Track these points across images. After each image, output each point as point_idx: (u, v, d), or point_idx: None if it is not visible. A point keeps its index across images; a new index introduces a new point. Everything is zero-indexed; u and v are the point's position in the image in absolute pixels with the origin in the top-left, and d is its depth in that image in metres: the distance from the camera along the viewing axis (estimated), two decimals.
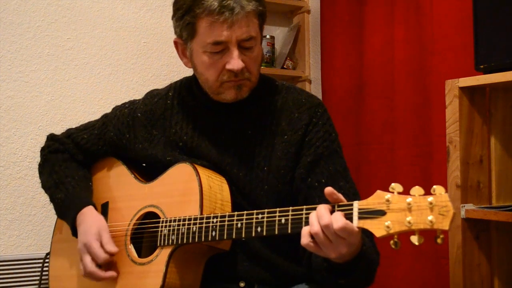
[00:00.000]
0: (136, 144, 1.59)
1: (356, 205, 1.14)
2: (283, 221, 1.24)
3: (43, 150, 1.71)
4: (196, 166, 1.44)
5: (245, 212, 1.30)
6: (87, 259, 1.46)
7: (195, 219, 1.37)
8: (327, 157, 1.44)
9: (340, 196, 1.17)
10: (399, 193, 1.10)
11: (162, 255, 1.41)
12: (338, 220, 1.11)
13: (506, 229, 1.91)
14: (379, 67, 2.49)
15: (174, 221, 1.40)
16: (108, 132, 1.63)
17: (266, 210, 1.27)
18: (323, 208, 1.15)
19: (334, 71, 2.75)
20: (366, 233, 1.15)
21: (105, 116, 1.68)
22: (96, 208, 1.55)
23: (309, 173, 1.42)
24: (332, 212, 1.15)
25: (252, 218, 1.28)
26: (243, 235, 1.30)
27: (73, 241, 1.58)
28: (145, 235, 1.50)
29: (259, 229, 1.27)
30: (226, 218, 1.33)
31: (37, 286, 1.92)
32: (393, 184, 1.10)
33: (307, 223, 1.17)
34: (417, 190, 1.08)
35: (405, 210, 1.07)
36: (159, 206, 1.47)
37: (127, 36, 2.53)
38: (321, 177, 1.41)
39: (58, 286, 1.65)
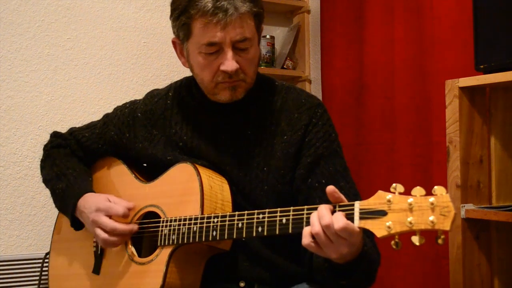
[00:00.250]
0: (136, 144, 1.59)
1: (357, 205, 1.14)
2: (284, 221, 1.24)
3: (45, 146, 1.73)
4: (197, 166, 1.44)
5: (246, 212, 1.30)
6: (105, 219, 1.45)
7: (196, 218, 1.37)
8: (327, 157, 1.44)
9: (341, 195, 1.17)
10: (400, 193, 1.10)
11: (162, 255, 1.41)
12: (339, 220, 1.11)
13: (506, 229, 1.91)
14: (379, 67, 2.49)
15: (175, 220, 1.40)
16: (109, 132, 1.64)
17: (267, 210, 1.27)
18: (324, 208, 1.15)
19: (334, 71, 2.75)
20: (367, 233, 1.15)
21: (106, 116, 1.69)
22: None
23: (309, 173, 1.42)
24: (333, 212, 1.15)
25: (253, 218, 1.28)
26: (244, 235, 1.30)
27: (72, 241, 1.58)
28: (145, 235, 1.50)
29: (260, 229, 1.27)
30: (227, 218, 1.33)
31: (37, 286, 1.92)
32: (394, 185, 1.10)
33: (308, 223, 1.17)
34: (418, 190, 1.08)
35: (406, 210, 1.07)
36: (160, 206, 1.47)
37: (127, 36, 2.53)
38: (322, 178, 1.41)
39: (58, 286, 1.65)
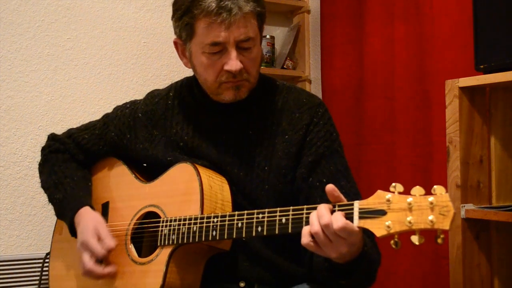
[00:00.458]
0: (137, 144, 1.59)
1: (357, 205, 1.14)
2: (283, 220, 1.24)
3: (43, 149, 1.71)
4: (197, 166, 1.44)
5: (245, 211, 1.30)
6: (86, 257, 1.46)
7: (196, 218, 1.37)
8: (328, 156, 1.44)
9: (340, 194, 1.17)
10: (399, 193, 1.10)
11: (162, 255, 1.41)
12: (338, 220, 1.11)
13: (506, 229, 1.91)
14: (379, 67, 2.49)
15: (175, 220, 1.40)
16: (109, 132, 1.64)
17: (266, 210, 1.27)
18: (323, 208, 1.15)
19: (334, 71, 2.75)
20: (367, 233, 1.15)
21: (106, 116, 1.68)
22: (93, 209, 1.55)
23: (310, 172, 1.43)
24: (332, 212, 1.15)
25: (253, 218, 1.28)
26: (244, 235, 1.30)
27: (73, 241, 1.58)
28: (145, 234, 1.50)
29: (259, 228, 1.27)
30: (227, 218, 1.33)
31: (37, 286, 1.92)
32: (393, 184, 1.10)
33: (307, 223, 1.17)
34: (417, 190, 1.08)
35: (406, 210, 1.07)
36: (160, 206, 1.47)
37: (127, 36, 2.53)
38: (322, 177, 1.41)
39: (58, 286, 1.65)
